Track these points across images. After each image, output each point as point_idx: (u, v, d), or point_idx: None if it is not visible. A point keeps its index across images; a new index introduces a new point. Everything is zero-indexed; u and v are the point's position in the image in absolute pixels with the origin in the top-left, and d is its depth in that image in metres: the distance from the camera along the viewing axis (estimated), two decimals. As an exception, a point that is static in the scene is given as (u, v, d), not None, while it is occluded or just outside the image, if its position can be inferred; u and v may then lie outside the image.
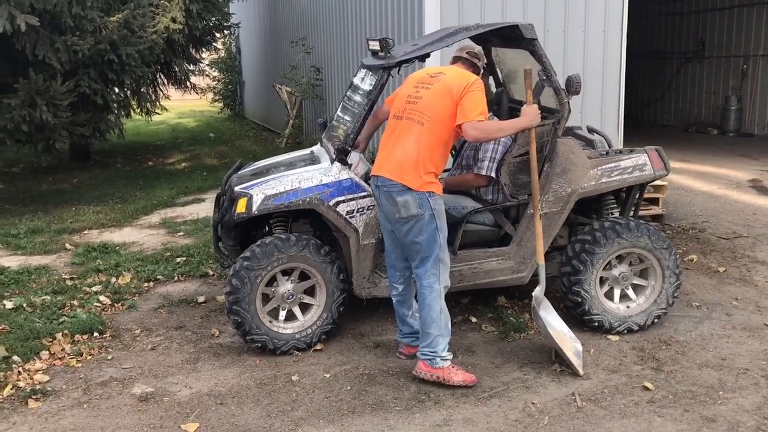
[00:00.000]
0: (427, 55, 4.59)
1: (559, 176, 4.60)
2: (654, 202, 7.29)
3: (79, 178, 11.18)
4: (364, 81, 4.70)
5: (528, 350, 4.46)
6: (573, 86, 4.41)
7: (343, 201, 4.44)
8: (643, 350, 4.42)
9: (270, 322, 4.45)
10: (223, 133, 16.98)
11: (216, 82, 21.35)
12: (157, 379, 4.20)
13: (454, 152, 5.27)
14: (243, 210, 4.43)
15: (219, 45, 18.29)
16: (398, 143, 3.96)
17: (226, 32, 16.10)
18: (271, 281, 4.46)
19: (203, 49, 13.84)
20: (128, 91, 9.62)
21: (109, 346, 4.68)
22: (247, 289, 4.32)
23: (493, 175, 4.61)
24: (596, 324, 4.61)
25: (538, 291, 4.26)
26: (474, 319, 4.92)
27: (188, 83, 13.90)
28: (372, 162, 5.27)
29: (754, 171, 9.62)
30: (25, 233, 7.41)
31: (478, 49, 4.42)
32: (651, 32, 15.54)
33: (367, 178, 4.83)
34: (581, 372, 4.09)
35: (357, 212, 4.46)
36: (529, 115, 4.10)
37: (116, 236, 7.39)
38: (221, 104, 21.61)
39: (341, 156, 4.49)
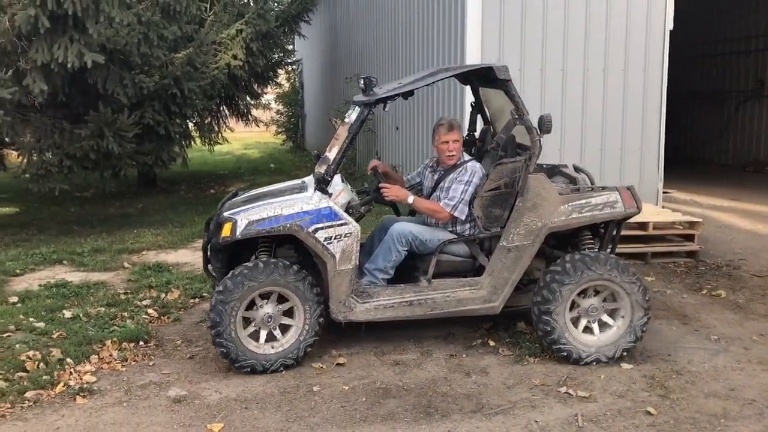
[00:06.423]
0: (411, 93, 4.84)
1: (530, 210, 4.78)
2: (689, 238, 7.36)
3: (144, 204, 11.89)
4: (351, 117, 4.93)
5: (541, 374, 4.64)
6: (544, 125, 4.69)
7: (322, 228, 4.63)
8: (653, 378, 4.55)
9: (255, 346, 4.68)
10: (283, 164, 17.64)
11: (279, 115, 22.26)
12: (191, 384, 4.58)
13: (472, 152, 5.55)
14: (228, 234, 4.65)
15: (283, 80, 19.11)
16: None
17: (288, 68, 16.82)
18: (252, 305, 4.69)
19: (266, 84, 14.51)
20: (190, 123, 10.25)
21: (152, 353, 5.09)
22: (226, 321, 4.56)
23: (457, 215, 4.89)
24: (565, 354, 4.72)
25: None
26: (492, 343, 5.13)
27: (250, 116, 14.57)
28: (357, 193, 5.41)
29: (804, 211, 9.51)
30: (89, 252, 7.99)
31: None
32: (708, 72, 15.49)
33: (348, 207, 4.94)
34: None
35: (334, 239, 4.66)
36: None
37: (171, 257, 7.90)
38: (284, 136, 22.47)
39: (321, 185, 4.75)
